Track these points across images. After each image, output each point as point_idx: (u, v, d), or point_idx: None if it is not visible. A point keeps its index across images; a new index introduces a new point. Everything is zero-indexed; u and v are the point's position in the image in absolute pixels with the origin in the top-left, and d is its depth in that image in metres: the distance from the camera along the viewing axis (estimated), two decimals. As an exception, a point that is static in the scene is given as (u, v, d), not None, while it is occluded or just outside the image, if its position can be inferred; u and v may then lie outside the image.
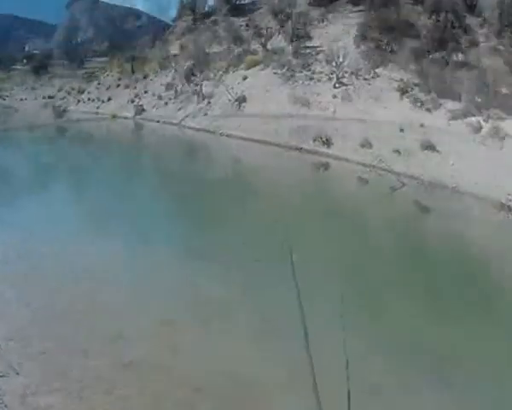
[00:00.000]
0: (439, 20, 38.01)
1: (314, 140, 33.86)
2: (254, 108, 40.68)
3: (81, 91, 74.95)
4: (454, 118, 33.48)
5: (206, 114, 44.72)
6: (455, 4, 39.05)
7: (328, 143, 33.40)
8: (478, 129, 32.45)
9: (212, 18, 65.47)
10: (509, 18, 38.27)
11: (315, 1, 54.86)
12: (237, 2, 65.85)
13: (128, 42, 56.64)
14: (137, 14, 57.10)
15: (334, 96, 37.38)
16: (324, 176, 31.68)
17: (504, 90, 35.16)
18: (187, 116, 47.04)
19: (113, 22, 58.48)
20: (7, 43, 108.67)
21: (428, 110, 34.06)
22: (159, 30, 63.23)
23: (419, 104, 34.49)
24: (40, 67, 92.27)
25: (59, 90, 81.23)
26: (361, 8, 48.94)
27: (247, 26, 56.38)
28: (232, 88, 43.86)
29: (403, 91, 35.79)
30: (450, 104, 34.88)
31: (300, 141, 34.77)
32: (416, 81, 36.70)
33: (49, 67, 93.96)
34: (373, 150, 31.95)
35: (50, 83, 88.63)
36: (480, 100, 34.48)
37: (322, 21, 49.33)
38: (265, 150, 35.88)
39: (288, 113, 38.12)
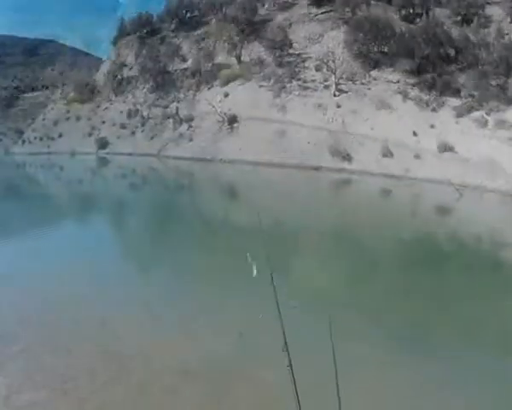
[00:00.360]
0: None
1: (332, 156, 28.45)
2: (250, 127, 34.23)
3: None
4: (459, 115, 29.96)
5: (191, 140, 37.18)
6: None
7: (348, 157, 27.97)
8: (484, 123, 29.55)
9: (162, 34, 56.43)
10: None
11: (275, 5, 47.95)
12: (187, 16, 56.59)
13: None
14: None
15: (338, 106, 31.61)
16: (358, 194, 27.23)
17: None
18: (166, 145, 39.04)
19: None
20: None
21: (434, 110, 29.58)
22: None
23: (424, 105, 29.55)
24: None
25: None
26: (325, 8, 42.73)
27: (203, 39, 48.46)
28: (213, 107, 36.87)
29: (405, 94, 30.66)
30: (451, 101, 31.86)
31: (317, 159, 29.12)
32: (414, 81, 31.60)
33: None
34: (396, 159, 27.02)
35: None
36: (477, 93, 31.44)
37: (290, 26, 42.35)
38: (284, 174, 29.95)
39: (293, 129, 32.05)
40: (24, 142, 58.82)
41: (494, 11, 38.22)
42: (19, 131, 68.48)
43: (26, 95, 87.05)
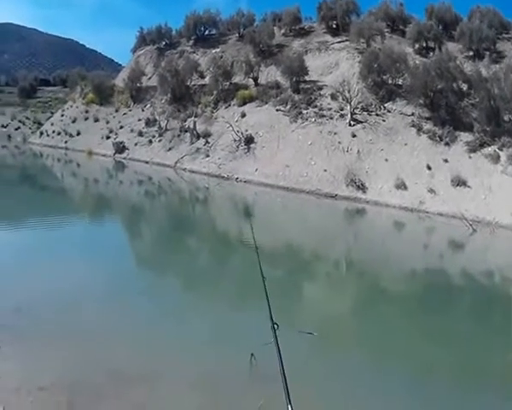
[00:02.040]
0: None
1: (347, 185, 27.18)
2: (266, 149, 33.00)
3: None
4: (472, 150, 29.12)
5: (208, 156, 35.91)
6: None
7: (363, 187, 26.68)
8: (496, 158, 28.11)
9: (179, 48, 54.86)
10: None
11: (290, 31, 46.65)
12: (205, 34, 55.68)
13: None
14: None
15: (354, 136, 30.25)
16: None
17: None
18: (182, 157, 37.74)
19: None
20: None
21: (447, 144, 28.24)
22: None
23: (438, 139, 28.27)
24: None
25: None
26: (341, 38, 41.43)
27: (221, 57, 46.98)
28: (230, 125, 36.01)
29: (419, 127, 29.40)
30: (464, 136, 30.37)
31: (333, 187, 27.85)
32: (427, 115, 30.26)
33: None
34: (409, 192, 25.80)
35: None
36: (489, 129, 29.97)
37: (306, 53, 40.98)
38: (300, 199, 28.87)
39: (310, 155, 30.75)
40: (42, 134, 57.61)
41: (505, 47, 37.09)
42: (37, 122, 67.67)
43: (45, 88, 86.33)
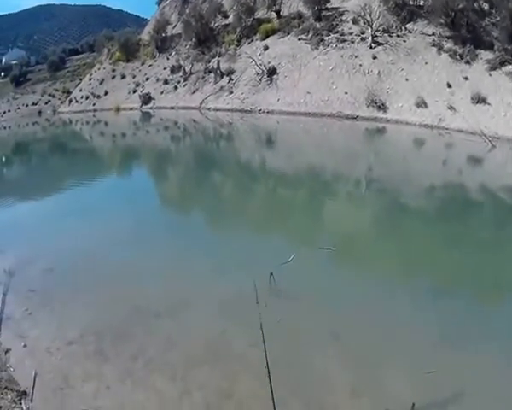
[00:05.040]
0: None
1: (368, 106, 27.98)
2: (288, 79, 34.21)
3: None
4: (493, 68, 29.18)
5: (231, 93, 37.05)
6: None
7: (383, 107, 27.46)
8: None
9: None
10: None
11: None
12: None
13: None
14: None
15: (375, 57, 30.92)
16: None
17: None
18: (207, 97, 38.90)
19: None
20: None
21: (468, 62, 28.55)
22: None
23: (458, 57, 28.60)
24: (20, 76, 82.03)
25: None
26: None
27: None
28: (253, 60, 37.47)
29: (439, 46, 29.80)
30: (484, 54, 30.54)
31: (354, 109, 28.65)
32: (448, 34, 30.54)
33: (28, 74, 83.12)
34: (430, 110, 26.29)
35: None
36: (510, 47, 29.87)
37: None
38: (322, 123, 30.54)
39: (331, 80, 31.53)
40: (71, 101, 59.35)
41: (529, -37, 36.72)
42: (66, 92, 69.17)
43: (73, 57, 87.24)
